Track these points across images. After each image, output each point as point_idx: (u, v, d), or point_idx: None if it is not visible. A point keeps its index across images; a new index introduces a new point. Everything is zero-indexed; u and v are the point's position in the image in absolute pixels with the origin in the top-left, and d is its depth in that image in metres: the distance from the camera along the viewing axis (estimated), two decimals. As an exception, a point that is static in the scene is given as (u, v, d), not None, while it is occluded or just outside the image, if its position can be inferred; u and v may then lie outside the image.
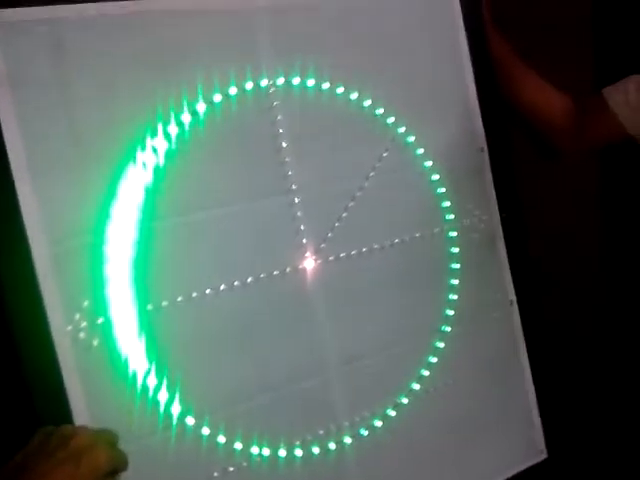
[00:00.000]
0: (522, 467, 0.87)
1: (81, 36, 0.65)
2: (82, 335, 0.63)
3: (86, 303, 0.64)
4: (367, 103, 0.79)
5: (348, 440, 0.76)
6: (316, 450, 0.74)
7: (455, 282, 0.84)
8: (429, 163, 0.83)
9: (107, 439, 0.55)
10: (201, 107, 0.70)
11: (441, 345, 0.83)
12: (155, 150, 0.68)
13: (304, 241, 0.75)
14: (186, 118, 0.69)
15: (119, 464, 0.56)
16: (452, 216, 0.84)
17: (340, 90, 0.77)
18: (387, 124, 0.81)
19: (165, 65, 0.69)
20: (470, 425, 0.84)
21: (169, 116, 0.69)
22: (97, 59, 0.66)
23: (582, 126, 0.97)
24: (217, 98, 0.71)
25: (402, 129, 0.81)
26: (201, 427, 0.68)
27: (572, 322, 1.14)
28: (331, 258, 0.77)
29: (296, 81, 0.75)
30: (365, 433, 0.77)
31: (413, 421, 0.80)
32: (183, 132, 0.69)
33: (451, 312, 0.84)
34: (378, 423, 0.78)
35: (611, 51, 1.19)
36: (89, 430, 0.56)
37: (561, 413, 0.91)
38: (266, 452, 0.72)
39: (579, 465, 0.93)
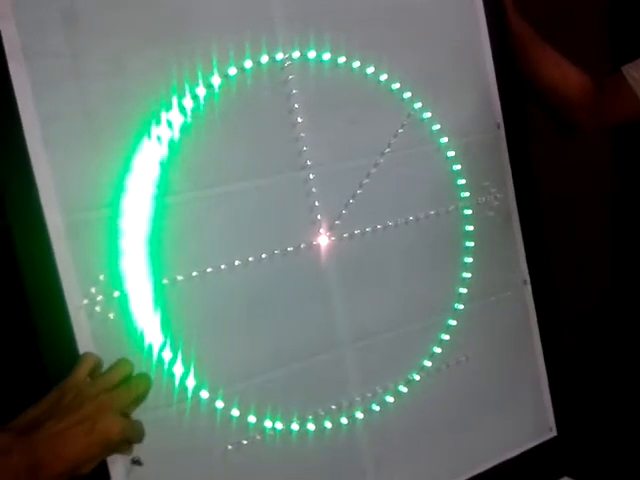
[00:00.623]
0: (531, 445, 0.88)
1: (95, 8, 0.64)
2: (98, 309, 0.64)
3: (102, 277, 0.64)
4: (383, 78, 0.78)
5: (360, 415, 0.77)
6: (328, 425, 0.75)
7: (469, 260, 0.83)
8: (445, 139, 0.82)
9: (123, 406, 0.55)
10: (216, 80, 0.69)
11: (454, 323, 0.83)
12: (170, 124, 0.67)
13: (318, 217, 0.75)
14: (201, 91, 0.69)
15: (132, 436, 0.56)
16: (467, 193, 0.84)
17: (356, 64, 0.76)
18: (403, 99, 0.80)
19: (180, 37, 0.68)
20: (480, 402, 0.85)
21: (184, 89, 0.68)
22: (111, 31, 0.65)
23: (600, 103, 0.95)
24: (232, 71, 0.70)
25: (418, 105, 0.80)
26: (215, 400, 0.69)
27: (585, 300, 1.14)
28: (345, 235, 0.76)
29: (312, 55, 0.74)
30: (377, 408, 0.78)
31: (424, 397, 0.81)
32: (198, 106, 0.69)
33: (464, 290, 0.83)
34: (390, 399, 0.78)
35: (628, 35, 1.17)
36: (105, 393, 0.55)
37: (571, 391, 0.91)
38: (279, 426, 0.72)
39: (588, 443, 0.93)
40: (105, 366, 0.61)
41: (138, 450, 0.62)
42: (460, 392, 0.83)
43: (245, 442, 0.71)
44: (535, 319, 0.88)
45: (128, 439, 0.57)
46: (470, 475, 0.83)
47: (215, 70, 0.69)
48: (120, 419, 0.53)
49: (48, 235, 0.62)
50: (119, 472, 0.63)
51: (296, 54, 0.73)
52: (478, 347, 0.84)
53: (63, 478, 0.50)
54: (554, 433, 0.89)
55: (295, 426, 0.73)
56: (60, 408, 0.52)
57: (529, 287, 0.88)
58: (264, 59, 0.72)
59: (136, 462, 0.63)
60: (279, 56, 0.72)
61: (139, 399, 0.59)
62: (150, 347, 0.66)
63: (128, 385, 0.57)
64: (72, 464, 0.51)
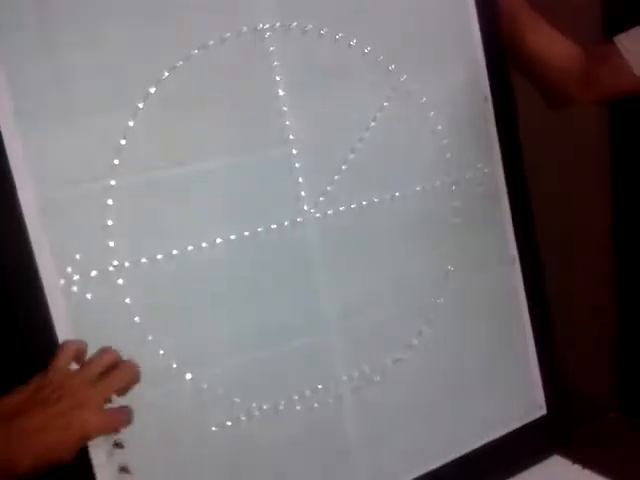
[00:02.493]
0: (521, 423, 0.87)
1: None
2: (75, 289, 0.62)
3: (78, 256, 0.62)
4: (368, 49, 0.76)
5: (347, 395, 0.75)
6: (315, 405, 0.74)
7: (457, 237, 0.82)
8: (432, 113, 0.80)
9: (102, 399, 0.53)
10: (194, 52, 0.67)
11: (441, 300, 0.81)
12: (147, 97, 0.65)
13: (302, 194, 0.73)
14: (178, 63, 0.66)
15: (111, 429, 0.54)
16: (455, 169, 0.82)
17: (340, 35, 0.74)
18: (389, 71, 0.77)
19: (157, 7, 0.65)
20: (469, 381, 0.84)
21: (160, 61, 0.66)
22: (84, 1, 0.62)
23: (591, 74, 0.93)
24: (210, 42, 0.68)
25: (404, 77, 0.78)
26: (199, 381, 0.67)
27: (574, 277, 1.13)
28: (330, 212, 0.74)
29: (294, 25, 0.71)
30: (364, 388, 0.76)
31: (412, 376, 0.80)
32: (175, 78, 0.66)
33: (452, 267, 0.82)
34: (377, 378, 0.77)
35: (621, 9, 1.16)
36: (85, 386, 0.54)
37: (561, 370, 0.90)
38: (265, 406, 0.71)
39: (578, 422, 0.93)
40: (91, 345, 0.59)
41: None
42: (448, 370, 0.82)
43: (229, 423, 0.69)
44: (524, 296, 0.87)
45: (105, 433, 0.56)
46: (459, 454, 0.82)
47: (193, 41, 0.67)
48: (98, 415, 0.52)
49: (21, 213, 0.60)
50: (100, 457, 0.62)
51: (277, 24, 0.71)
52: (466, 325, 0.83)
53: (36, 469, 0.49)
54: (544, 411, 0.89)
55: (281, 407, 0.72)
56: (38, 400, 0.51)
57: (517, 263, 0.87)
58: (244, 29, 0.69)
59: (124, 470, 0.62)
60: (259, 26, 0.70)
61: (124, 389, 0.57)
62: (130, 328, 0.64)
63: (110, 378, 0.56)
64: (47, 459, 0.50)
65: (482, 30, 0.83)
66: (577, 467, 0.86)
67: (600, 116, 1.28)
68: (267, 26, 0.70)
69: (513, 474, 0.84)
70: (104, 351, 0.57)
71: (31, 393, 0.51)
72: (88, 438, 0.52)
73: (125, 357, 0.61)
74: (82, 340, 0.58)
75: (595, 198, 1.30)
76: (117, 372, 0.56)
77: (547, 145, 1.09)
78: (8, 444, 0.48)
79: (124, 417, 0.55)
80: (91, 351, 0.61)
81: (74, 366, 0.57)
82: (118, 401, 0.58)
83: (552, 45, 0.92)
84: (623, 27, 0.91)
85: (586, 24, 1.15)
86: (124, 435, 0.61)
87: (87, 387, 0.53)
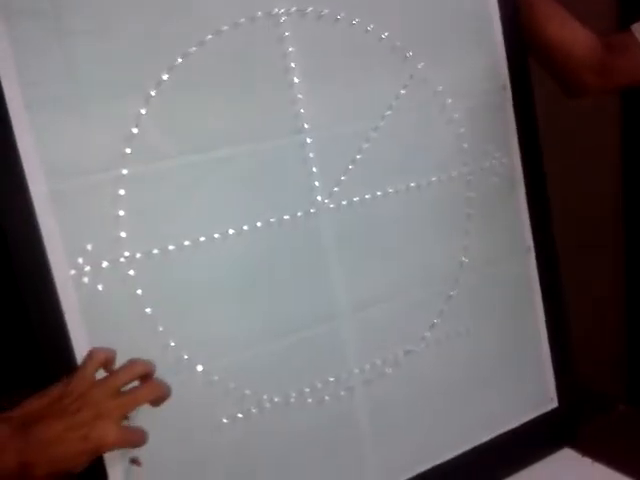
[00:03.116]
0: (532, 415, 0.86)
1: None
2: (86, 280, 0.61)
3: (89, 246, 0.61)
4: (385, 35, 0.74)
5: (359, 388, 0.75)
6: (327, 397, 0.73)
7: (472, 227, 0.81)
8: (449, 101, 0.78)
9: (123, 414, 0.52)
10: (207, 37, 0.65)
11: (455, 292, 0.80)
12: (159, 84, 0.63)
13: (316, 184, 0.72)
14: (191, 49, 0.64)
15: (128, 445, 0.54)
16: (471, 159, 0.80)
17: (357, 20, 0.72)
18: (405, 58, 0.75)
19: (168, -10, 0.63)
20: (481, 373, 0.83)
21: (173, 47, 0.64)
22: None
23: (608, 63, 0.91)
24: (224, 27, 0.66)
25: (421, 64, 0.76)
26: (210, 373, 0.67)
27: (583, 269, 1.12)
28: (344, 202, 0.73)
29: (310, 9, 0.69)
30: (376, 380, 0.76)
31: (424, 369, 0.79)
32: (188, 65, 0.64)
33: (466, 259, 0.81)
34: (389, 370, 0.77)
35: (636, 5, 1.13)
36: (108, 399, 0.52)
37: (573, 363, 0.90)
38: (276, 398, 0.70)
39: (588, 415, 0.92)
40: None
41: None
42: (460, 363, 0.81)
43: (241, 415, 0.69)
44: (538, 287, 0.86)
45: (123, 446, 0.55)
46: (470, 446, 0.81)
47: (206, 25, 0.65)
48: (116, 429, 0.51)
49: (32, 203, 0.59)
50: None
51: (293, 8, 0.69)
52: (479, 317, 0.82)
53: (52, 476, 0.49)
54: (555, 404, 0.88)
55: (292, 399, 0.71)
56: (60, 408, 0.50)
57: (532, 254, 0.85)
58: (258, 14, 0.67)
59: (134, 462, 0.62)
60: (274, 11, 0.68)
61: (154, 403, 0.56)
62: (141, 320, 0.63)
63: (135, 393, 0.54)
64: (63, 467, 0.50)
65: (502, 18, 0.81)
66: (587, 460, 0.86)
67: (613, 106, 1.26)
68: (282, 10, 0.68)
69: (524, 466, 0.84)
70: (132, 363, 0.55)
71: (52, 400, 0.50)
72: (104, 451, 0.51)
73: (136, 348, 0.61)
74: (111, 349, 0.56)
75: (607, 188, 1.28)
76: (143, 388, 0.55)
77: (559, 135, 1.07)
78: (26, 450, 0.48)
79: (140, 436, 0.54)
80: (103, 343, 0.61)
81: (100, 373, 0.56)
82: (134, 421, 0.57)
83: (570, 34, 0.90)
84: (638, 15, 0.89)
85: (601, 12, 1.13)
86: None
87: (109, 399, 0.51)
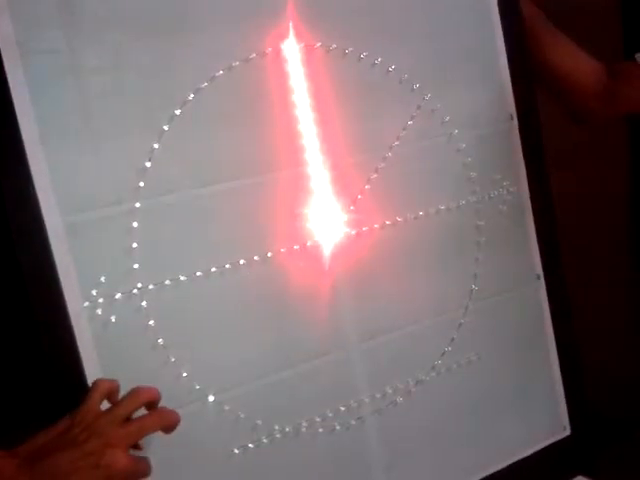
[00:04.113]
0: (545, 443, 0.86)
1: (92, 0, 0.61)
2: (99, 311, 0.62)
3: (103, 279, 0.62)
4: (392, 68, 0.75)
5: (369, 417, 0.75)
6: (338, 427, 0.73)
7: (481, 256, 0.81)
8: (456, 131, 0.79)
9: (131, 442, 0.52)
10: (218, 73, 0.67)
11: (465, 320, 0.80)
12: (172, 119, 0.65)
13: (325, 214, 0.73)
14: (202, 85, 0.66)
15: (137, 473, 0.54)
16: (479, 187, 0.81)
17: (364, 54, 0.73)
18: (413, 90, 0.77)
19: (181, 30, 0.65)
20: (493, 401, 0.83)
21: (185, 82, 0.66)
22: (109, 25, 0.62)
23: (613, 91, 0.93)
24: (235, 63, 0.67)
25: (428, 95, 0.77)
26: (221, 403, 0.67)
27: (599, 296, 1.11)
28: (353, 232, 0.74)
29: (318, 45, 0.71)
30: (386, 409, 0.76)
31: (435, 397, 0.79)
32: (200, 99, 0.66)
33: (476, 287, 0.81)
34: (399, 399, 0.77)
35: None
36: (115, 427, 0.52)
37: (585, 390, 0.89)
38: (287, 429, 0.70)
39: (602, 442, 0.91)
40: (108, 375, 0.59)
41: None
42: (472, 391, 0.81)
43: (252, 445, 0.69)
44: (548, 315, 0.86)
45: (133, 474, 0.55)
46: (483, 475, 0.81)
47: (218, 62, 0.66)
48: (125, 457, 0.51)
49: (47, 236, 0.60)
50: None
51: (302, 44, 0.70)
52: (490, 345, 0.82)
53: None
54: (568, 432, 0.87)
55: (303, 429, 0.71)
56: (67, 440, 0.50)
57: (542, 282, 0.85)
58: (268, 50, 0.69)
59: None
60: (284, 46, 0.70)
61: (166, 430, 0.56)
62: (153, 350, 0.64)
63: (142, 421, 0.54)
64: None
65: (507, 48, 0.82)
66: (602, 489, 0.85)
67: (619, 128, 1.27)
68: (291, 46, 0.70)
69: (537, 496, 0.83)
70: (136, 391, 0.55)
71: (59, 434, 0.51)
72: (114, 478, 0.51)
73: (148, 379, 0.61)
74: (114, 379, 0.56)
75: (614, 214, 1.28)
76: (151, 416, 0.54)
77: (566, 161, 1.08)
78: None
79: (148, 465, 0.54)
80: (115, 374, 0.61)
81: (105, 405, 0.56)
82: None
83: (575, 63, 0.92)
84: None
85: (605, 40, 1.14)
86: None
87: (116, 427, 0.52)
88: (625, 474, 0.88)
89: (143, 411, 0.57)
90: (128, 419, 0.54)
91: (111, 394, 0.56)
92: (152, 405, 0.56)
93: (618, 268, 1.25)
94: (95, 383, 0.55)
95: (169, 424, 0.55)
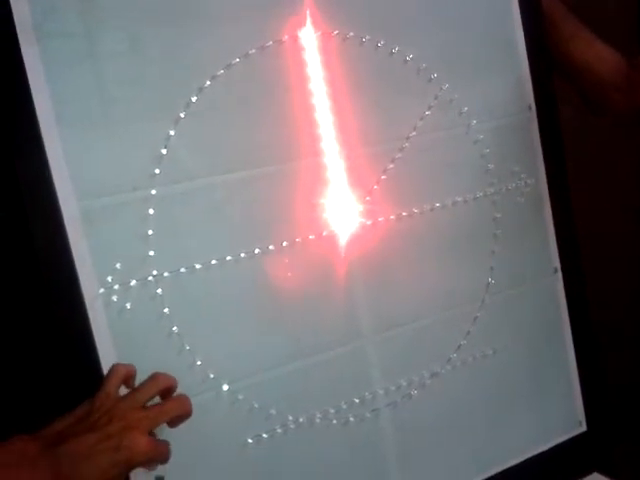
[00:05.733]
0: (561, 439, 0.85)
1: (110, -16, 0.61)
2: (115, 298, 0.62)
3: (119, 265, 0.62)
4: (409, 57, 0.74)
5: (384, 409, 0.74)
6: (351, 419, 0.72)
7: (498, 248, 0.80)
8: (474, 122, 0.78)
9: (151, 426, 0.52)
10: (235, 60, 0.66)
11: (481, 314, 0.80)
12: (188, 106, 0.65)
13: (341, 204, 0.72)
14: (219, 72, 0.66)
15: (157, 456, 0.54)
16: (496, 179, 0.80)
17: (382, 43, 0.73)
18: (430, 80, 0.76)
19: (199, 16, 0.65)
20: (508, 396, 0.82)
21: (202, 70, 0.65)
22: (127, 10, 0.62)
23: (634, 83, 0.91)
24: (252, 51, 0.67)
25: (446, 85, 0.77)
26: (236, 393, 0.67)
27: (616, 290, 1.10)
28: (369, 222, 0.73)
29: (335, 33, 0.70)
30: (401, 402, 0.75)
31: (450, 391, 0.78)
32: (216, 87, 0.66)
33: (493, 280, 0.80)
34: (414, 392, 0.76)
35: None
36: (135, 411, 0.52)
37: (602, 385, 0.88)
38: (301, 419, 0.70)
39: (618, 438, 0.90)
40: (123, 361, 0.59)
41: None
42: (487, 385, 0.80)
43: (266, 435, 0.68)
44: (566, 309, 0.85)
45: (153, 458, 0.55)
46: (497, 470, 0.80)
47: (235, 49, 0.66)
48: (146, 439, 0.51)
49: (63, 222, 0.60)
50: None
51: (319, 32, 0.70)
52: (506, 339, 0.81)
53: None
54: (584, 428, 0.86)
55: (317, 419, 0.71)
56: (88, 424, 0.50)
57: (560, 275, 0.84)
58: (285, 37, 0.68)
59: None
60: (301, 34, 0.69)
61: (176, 420, 0.56)
62: (168, 338, 0.64)
63: (163, 406, 0.55)
64: None
65: (527, 39, 0.81)
66: (618, 485, 0.84)
67: (635, 126, 1.25)
68: (308, 34, 0.69)
69: (552, 492, 0.82)
70: (155, 377, 0.55)
71: (79, 418, 0.51)
72: (136, 461, 0.51)
73: (162, 367, 0.61)
74: (131, 364, 0.57)
75: (629, 208, 1.26)
76: (171, 402, 0.55)
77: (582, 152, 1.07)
78: (59, 465, 0.48)
79: (168, 449, 0.54)
80: (130, 361, 0.61)
81: (123, 390, 0.56)
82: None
83: (595, 54, 0.91)
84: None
85: (622, 34, 1.13)
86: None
87: (136, 411, 0.52)
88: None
89: (156, 400, 0.57)
90: (146, 405, 0.54)
91: (128, 379, 0.56)
92: (169, 392, 0.56)
93: (637, 261, 1.24)
94: (113, 368, 0.55)
95: (186, 412, 0.55)
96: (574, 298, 0.85)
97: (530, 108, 0.82)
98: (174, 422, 0.56)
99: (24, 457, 0.47)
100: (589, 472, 0.85)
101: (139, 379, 0.58)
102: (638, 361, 1.17)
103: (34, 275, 0.59)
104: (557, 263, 0.84)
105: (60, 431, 0.50)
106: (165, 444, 0.54)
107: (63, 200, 0.60)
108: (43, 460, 0.47)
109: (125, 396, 0.53)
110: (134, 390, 0.54)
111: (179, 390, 0.61)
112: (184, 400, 0.55)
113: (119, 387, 0.54)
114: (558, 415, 0.85)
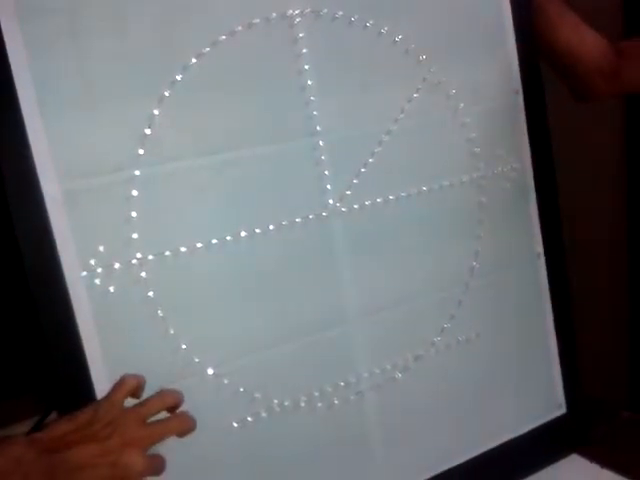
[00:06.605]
0: (541, 422, 0.86)
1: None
2: (97, 281, 0.60)
3: (101, 248, 0.60)
4: (398, 38, 0.73)
5: (368, 392, 0.74)
6: (336, 402, 0.73)
7: (483, 232, 0.80)
8: (461, 105, 0.78)
9: (150, 444, 0.51)
10: (221, 38, 0.65)
11: (465, 298, 0.80)
12: (173, 84, 0.63)
13: (328, 187, 0.71)
14: (205, 50, 0.64)
15: (153, 473, 0.53)
16: (483, 163, 0.80)
17: (370, 23, 0.72)
18: (419, 61, 0.75)
19: (183, -9, 0.63)
20: (490, 379, 0.83)
21: (187, 47, 0.63)
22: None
23: (618, 68, 0.91)
24: (238, 28, 0.65)
25: (434, 68, 0.76)
26: (220, 377, 0.66)
27: (597, 275, 1.12)
28: (356, 206, 0.73)
29: (324, 11, 0.69)
30: (385, 385, 0.75)
31: (433, 374, 0.78)
32: (201, 65, 0.64)
33: (477, 264, 0.80)
34: (398, 375, 0.76)
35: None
36: (137, 427, 0.51)
37: (581, 368, 0.89)
38: (286, 403, 0.70)
39: (597, 421, 0.92)
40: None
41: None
42: (470, 369, 0.81)
43: (250, 419, 0.68)
44: (547, 294, 0.86)
45: (148, 474, 0.54)
46: (479, 452, 0.81)
47: (221, 26, 0.64)
48: (144, 458, 0.50)
49: (45, 204, 0.58)
50: None
51: (307, 10, 0.68)
52: (489, 322, 0.82)
53: None
54: (564, 410, 0.88)
55: (302, 403, 0.71)
56: (88, 433, 0.49)
57: (542, 260, 0.85)
58: (273, 15, 0.67)
59: None
60: (289, 12, 0.68)
61: (179, 435, 0.55)
62: (152, 322, 0.63)
63: (165, 425, 0.53)
64: None
65: (515, 22, 0.80)
66: (595, 465, 0.86)
67: (617, 112, 1.27)
68: (297, 12, 0.68)
69: (533, 472, 0.84)
70: (163, 393, 0.54)
71: (80, 426, 0.49)
72: (130, 478, 0.50)
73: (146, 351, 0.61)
74: (141, 376, 0.55)
75: (611, 197, 1.28)
76: (173, 420, 0.54)
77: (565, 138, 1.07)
78: (54, 475, 0.46)
79: (163, 465, 0.54)
80: (114, 346, 0.60)
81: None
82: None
83: (581, 38, 0.90)
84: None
85: (606, 20, 1.13)
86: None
87: (138, 427, 0.50)
88: (618, 453, 0.88)
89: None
90: (148, 420, 0.53)
91: (136, 390, 0.54)
92: (174, 409, 0.55)
93: (619, 248, 1.25)
94: (122, 379, 0.54)
95: (188, 430, 0.54)
96: (556, 283, 0.86)
97: (517, 92, 0.82)
98: (179, 436, 0.55)
99: (19, 464, 0.46)
100: (568, 453, 0.87)
101: (126, 365, 0.57)
102: (617, 344, 1.20)
103: (15, 258, 0.57)
104: (540, 248, 0.85)
105: (60, 436, 0.48)
106: (161, 460, 0.53)
107: (44, 181, 0.58)
108: (38, 468, 0.46)
109: (130, 409, 0.52)
110: (139, 404, 0.53)
111: (163, 374, 0.61)
112: (187, 418, 0.54)
113: (126, 398, 0.53)
114: (539, 398, 0.86)
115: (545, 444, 0.86)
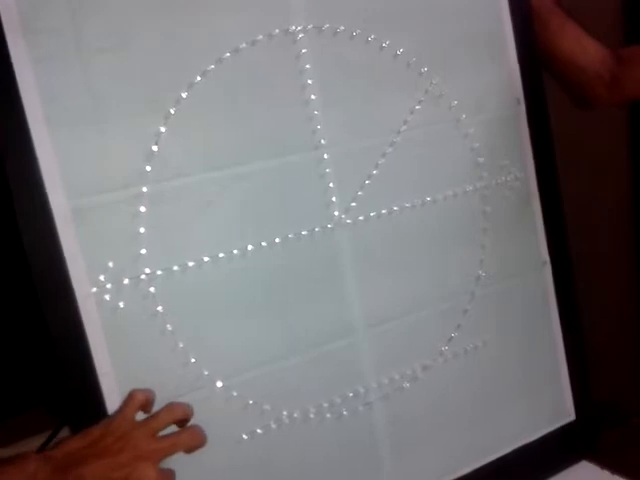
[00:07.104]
0: (550, 429, 0.86)
1: (97, -22, 0.60)
2: (107, 297, 0.61)
3: (111, 264, 0.61)
4: (400, 51, 0.74)
5: (377, 402, 0.75)
6: (345, 412, 0.73)
7: (488, 242, 0.81)
8: (463, 116, 0.79)
9: (161, 458, 0.52)
10: (225, 55, 0.66)
11: (472, 306, 0.80)
12: (179, 102, 0.64)
13: (333, 199, 0.72)
14: (209, 67, 0.65)
15: None
16: (486, 173, 0.80)
17: (372, 37, 0.72)
18: (420, 74, 0.76)
19: (187, 10, 0.64)
20: (499, 387, 0.83)
21: (191, 65, 0.64)
22: (114, 4, 0.61)
23: (620, 76, 0.92)
24: (242, 45, 0.66)
25: (436, 80, 0.77)
26: (230, 389, 0.67)
27: (604, 283, 1.11)
28: (361, 217, 0.73)
29: (326, 26, 0.70)
30: (394, 395, 0.76)
31: (442, 383, 0.79)
32: (206, 82, 0.65)
33: (483, 273, 0.81)
34: (407, 385, 0.76)
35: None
36: (148, 442, 0.52)
37: (590, 375, 0.89)
38: (295, 414, 0.70)
39: (608, 427, 0.92)
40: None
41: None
42: (478, 377, 0.81)
43: (260, 431, 0.69)
44: (554, 301, 0.86)
45: None
46: (487, 461, 0.81)
47: (225, 43, 0.65)
48: (156, 471, 0.51)
49: (54, 221, 0.59)
50: None
51: (309, 26, 0.69)
52: (496, 331, 0.82)
53: None
54: (572, 417, 0.88)
55: (311, 414, 0.71)
56: (100, 448, 0.50)
57: (549, 268, 0.85)
58: (276, 31, 0.68)
59: None
60: (291, 28, 0.69)
61: (188, 451, 0.56)
62: (162, 336, 0.63)
63: (176, 438, 0.54)
64: None
65: (515, 32, 0.81)
66: (606, 472, 0.86)
67: (620, 119, 1.27)
68: (299, 28, 0.69)
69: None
70: (172, 406, 0.55)
71: (93, 441, 0.50)
72: None
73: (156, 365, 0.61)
74: (150, 390, 0.56)
75: (617, 202, 1.28)
76: (184, 434, 0.55)
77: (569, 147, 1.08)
78: None
79: (173, 478, 0.54)
80: (124, 360, 0.61)
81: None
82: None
83: (582, 47, 0.91)
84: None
85: (606, 27, 1.14)
86: None
87: (150, 441, 0.51)
88: (629, 459, 0.88)
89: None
90: (159, 434, 0.54)
91: (146, 405, 0.55)
92: (184, 422, 0.56)
93: (625, 255, 1.25)
94: (131, 393, 0.55)
95: (199, 444, 0.55)
96: (563, 291, 0.86)
97: (519, 102, 0.82)
98: (188, 451, 0.56)
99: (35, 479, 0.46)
100: (578, 460, 0.87)
101: (136, 379, 0.58)
102: (625, 350, 1.19)
103: (25, 275, 0.58)
104: (546, 256, 0.85)
105: (73, 452, 0.49)
106: (171, 473, 0.54)
107: (53, 199, 0.59)
108: None
109: (141, 423, 0.53)
110: (150, 418, 0.54)
111: (173, 388, 0.61)
112: (197, 432, 0.55)
113: (136, 413, 0.54)
114: (547, 405, 0.86)
115: (554, 451, 0.86)
